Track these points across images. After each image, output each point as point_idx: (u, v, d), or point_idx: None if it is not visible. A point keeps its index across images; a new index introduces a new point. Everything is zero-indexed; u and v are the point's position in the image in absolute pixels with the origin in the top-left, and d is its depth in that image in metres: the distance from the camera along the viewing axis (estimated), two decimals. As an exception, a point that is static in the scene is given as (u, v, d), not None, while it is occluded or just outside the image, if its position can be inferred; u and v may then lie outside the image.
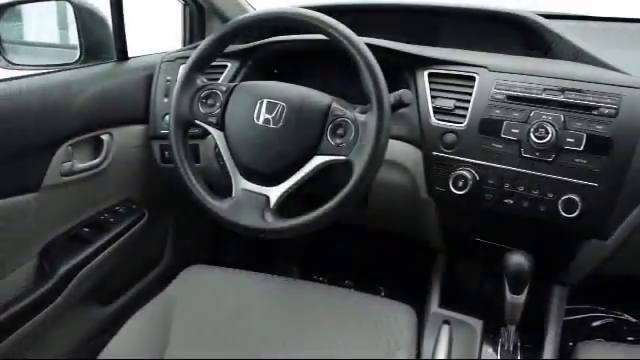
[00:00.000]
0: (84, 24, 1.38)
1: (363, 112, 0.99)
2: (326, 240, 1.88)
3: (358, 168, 0.95)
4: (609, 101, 1.03)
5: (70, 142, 1.25)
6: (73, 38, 1.40)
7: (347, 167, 0.97)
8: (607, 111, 1.03)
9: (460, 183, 1.08)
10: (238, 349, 1.10)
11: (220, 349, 1.10)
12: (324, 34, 1.00)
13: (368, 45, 1.00)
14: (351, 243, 1.85)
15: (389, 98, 0.99)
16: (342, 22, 1.01)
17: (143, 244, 1.57)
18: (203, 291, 1.23)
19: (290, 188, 1.02)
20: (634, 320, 1.67)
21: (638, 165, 1.01)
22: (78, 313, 1.38)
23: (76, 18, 1.37)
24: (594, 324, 1.67)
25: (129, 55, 1.46)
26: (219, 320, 1.16)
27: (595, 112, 1.03)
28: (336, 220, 0.99)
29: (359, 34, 1.05)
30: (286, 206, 1.04)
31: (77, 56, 1.38)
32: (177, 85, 1.11)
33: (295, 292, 1.24)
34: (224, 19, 1.61)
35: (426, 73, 1.17)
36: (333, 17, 1.01)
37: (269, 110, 1.03)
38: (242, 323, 1.15)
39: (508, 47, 1.32)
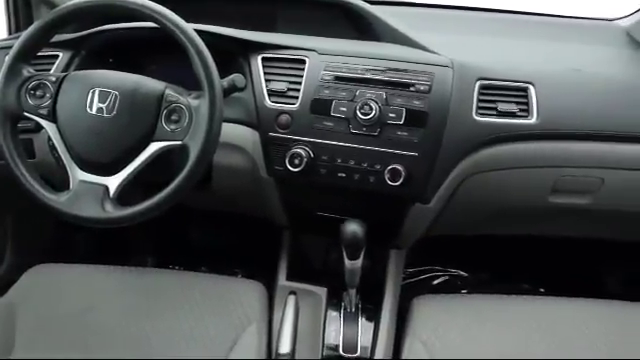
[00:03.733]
0: None
1: (197, 97, 1.02)
2: (180, 228, 1.88)
3: (194, 152, 0.98)
4: (423, 79, 1.15)
5: None
6: None
7: (184, 151, 1.00)
8: (422, 88, 1.14)
9: (296, 161, 1.14)
10: (89, 345, 1.09)
11: (70, 347, 1.08)
12: (153, 21, 1.02)
13: (198, 31, 1.02)
14: (205, 229, 1.87)
15: (221, 83, 1.03)
16: (176, 10, 1.02)
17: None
18: (49, 290, 1.19)
19: (129, 176, 1.02)
20: (466, 275, 1.87)
21: (449, 135, 1.14)
22: None
23: None
24: (434, 283, 1.85)
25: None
26: (68, 318, 1.13)
27: (412, 89, 1.14)
28: (178, 204, 1.01)
29: (196, 21, 1.06)
30: (129, 194, 1.04)
31: None
32: (1, 76, 1.05)
33: (146, 281, 1.24)
34: (53, 6, 1.54)
35: (259, 58, 1.22)
36: (166, 5, 1.02)
37: (102, 99, 1.02)
38: (92, 318, 1.14)
39: (339, 32, 1.40)
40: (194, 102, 1.01)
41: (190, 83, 1.07)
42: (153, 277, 1.27)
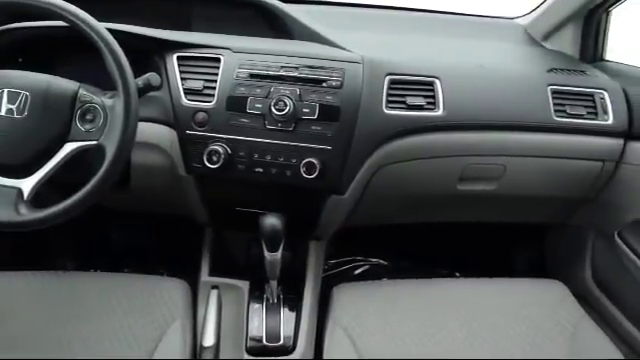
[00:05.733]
0: None
1: (112, 97, 1.02)
2: (102, 230, 1.85)
3: (110, 151, 0.98)
4: (335, 75, 1.20)
5: None
6: None
7: (100, 151, 1.00)
8: (334, 83, 1.19)
9: (214, 158, 1.16)
10: (8, 351, 1.06)
11: None
12: (62, 20, 1.00)
13: (112, 30, 1.02)
14: (127, 230, 1.85)
15: (136, 82, 1.03)
16: (88, 8, 1.01)
17: None
18: None
19: (43, 178, 1.01)
20: (386, 263, 1.94)
21: (361, 129, 1.19)
22: None
23: None
24: (356, 272, 1.91)
25: None
26: None
27: (325, 85, 1.19)
28: (98, 205, 1.01)
29: (110, 20, 1.06)
30: (47, 196, 1.02)
31: None
32: None
33: (67, 285, 1.23)
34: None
35: (175, 56, 1.22)
36: (77, 3, 1.01)
37: (11, 100, 1.00)
38: (11, 325, 1.12)
39: (254, 30, 1.42)
40: (108, 101, 1.01)
41: (105, 83, 1.07)
42: (74, 280, 1.25)
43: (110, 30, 1.02)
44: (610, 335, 1.23)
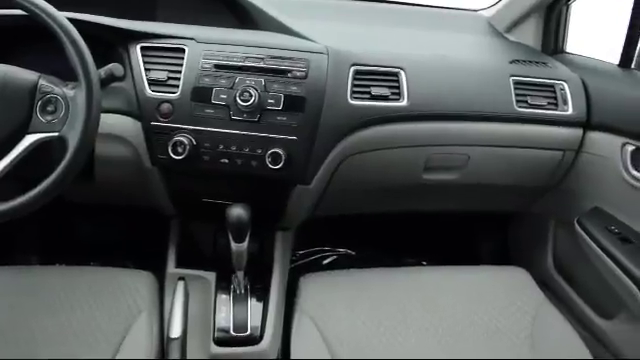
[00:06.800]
0: None
1: (73, 88, 1.01)
2: (67, 224, 1.83)
3: (72, 143, 0.97)
4: (300, 65, 1.20)
5: None
6: None
7: (62, 143, 0.98)
8: (299, 74, 1.19)
9: (179, 149, 1.15)
10: None
11: None
12: (21, 9, 0.98)
13: (73, 20, 1.00)
14: (92, 224, 1.83)
15: (98, 72, 1.02)
16: None
17: None
18: None
19: (3, 170, 0.98)
20: (354, 253, 1.96)
21: (326, 119, 1.20)
22: None
23: None
24: (324, 262, 1.93)
25: None
26: None
27: (290, 75, 1.19)
28: (63, 199, 1.00)
29: (72, 10, 1.04)
30: (6, 190, 1.00)
31: None
32: None
33: (31, 279, 1.21)
34: None
35: (138, 47, 1.21)
36: None
37: None
38: None
39: (219, 20, 1.42)
40: (70, 92, 1.00)
41: (66, 73, 1.05)
42: (38, 275, 1.24)
43: (71, 19, 1.00)
44: (569, 319, 1.27)
